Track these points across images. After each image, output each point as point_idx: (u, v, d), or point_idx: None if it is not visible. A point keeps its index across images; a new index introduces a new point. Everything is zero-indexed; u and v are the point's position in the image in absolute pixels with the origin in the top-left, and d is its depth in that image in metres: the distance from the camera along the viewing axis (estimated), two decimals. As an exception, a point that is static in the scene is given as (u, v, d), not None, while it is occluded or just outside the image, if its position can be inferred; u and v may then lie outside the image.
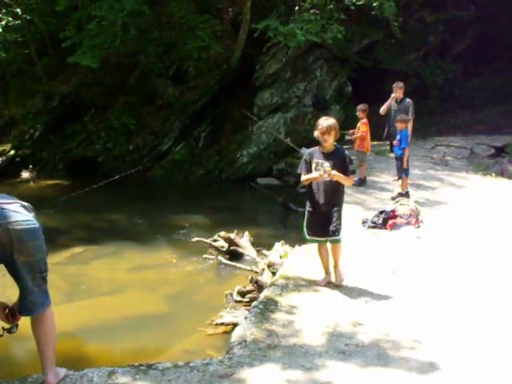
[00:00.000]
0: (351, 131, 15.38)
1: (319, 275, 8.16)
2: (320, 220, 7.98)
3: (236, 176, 20.63)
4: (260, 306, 7.09)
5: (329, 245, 8.12)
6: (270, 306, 7.14)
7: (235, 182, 20.17)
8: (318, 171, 7.74)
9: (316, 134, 7.83)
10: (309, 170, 7.93)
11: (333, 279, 8.18)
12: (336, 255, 8.10)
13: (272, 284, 8.08)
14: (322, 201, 7.94)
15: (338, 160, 7.81)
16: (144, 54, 21.26)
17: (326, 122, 7.81)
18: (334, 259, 8.11)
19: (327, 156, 7.83)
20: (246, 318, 6.83)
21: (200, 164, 21.20)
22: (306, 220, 8.16)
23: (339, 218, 7.99)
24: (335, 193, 7.97)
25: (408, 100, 15.23)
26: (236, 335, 6.38)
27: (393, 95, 15.33)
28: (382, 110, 15.49)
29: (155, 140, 21.68)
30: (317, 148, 8.00)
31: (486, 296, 7.94)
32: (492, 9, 27.14)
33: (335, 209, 7.95)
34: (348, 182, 8.13)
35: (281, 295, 7.52)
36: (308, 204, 8.13)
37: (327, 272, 8.17)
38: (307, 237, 8.15)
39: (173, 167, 21.31)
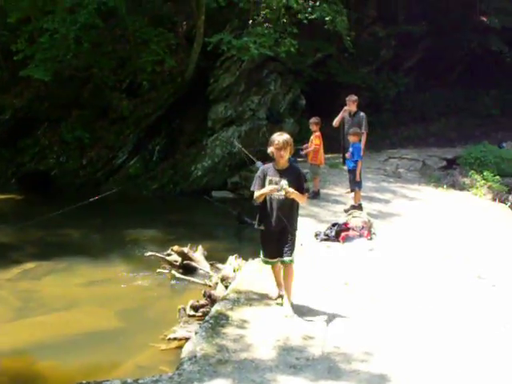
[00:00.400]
0: (305, 145, 15.45)
1: (271, 289, 8.16)
2: (273, 240, 7.65)
3: (191, 189, 20.58)
4: (211, 321, 7.06)
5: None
6: (220, 320, 7.12)
7: (190, 196, 20.11)
8: (272, 185, 7.44)
9: (271, 150, 7.49)
10: (263, 188, 7.56)
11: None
12: (288, 278, 7.74)
13: (223, 298, 8.06)
14: (275, 220, 7.57)
15: (293, 177, 7.49)
16: (98, 67, 21.10)
17: (281, 137, 7.48)
18: (285, 282, 7.78)
19: (281, 173, 7.49)
20: (196, 333, 6.80)
21: (154, 178, 21.09)
22: (260, 239, 7.86)
23: (293, 240, 7.69)
24: (289, 211, 7.62)
25: (362, 114, 15.19)
26: (186, 351, 6.34)
27: (345, 108, 15.43)
28: (335, 122, 15.56)
29: (109, 154, 21.52)
30: (271, 165, 7.63)
31: (436, 308, 8.05)
32: (442, 24, 27.60)
33: (289, 229, 7.61)
34: (303, 200, 7.81)
35: (232, 309, 7.50)
36: (261, 223, 7.75)
37: (279, 285, 8.01)
38: (262, 257, 7.90)
39: (127, 181, 21.12)
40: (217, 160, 21.00)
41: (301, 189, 7.53)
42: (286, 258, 7.61)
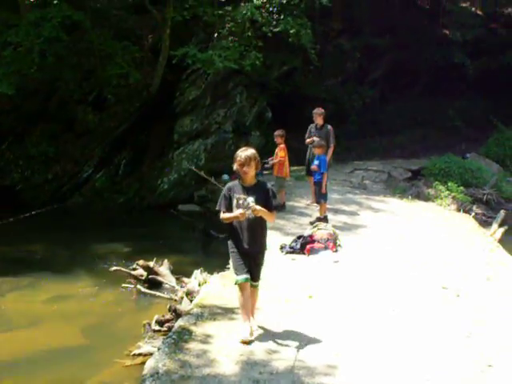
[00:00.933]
0: (270, 158, 15.52)
1: (235, 303, 8.15)
2: (245, 260, 7.31)
3: (157, 203, 20.48)
4: (174, 337, 7.05)
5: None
6: (184, 335, 7.10)
7: (156, 210, 20.01)
8: (239, 209, 7.08)
9: (235, 166, 7.21)
10: (229, 207, 7.25)
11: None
12: (255, 299, 7.61)
13: (187, 313, 8.05)
14: (246, 240, 7.28)
15: (261, 194, 7.19)
16: (63, 80, 20.95)
17: (244, 152, 7.19)
18: (252, 303, 7.53)
19: (249, 190, 7.19)
20: (158, 349, 6.78)
21: (120, 191, 20.97)
22: (232, 262, 7.58)
23: (263, 261, 7.57)
24: (260, 231, 7.39)
25: (329, 126, 15.35)
26: (148, 367, 6.32)
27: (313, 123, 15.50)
28: (307, 142, 15.55)
29: (75, 168, 21.34)
30: (237, 182, 7.34)
31: (400, 319, 8.12)
32: (406, 37, 27.95)
33: (261, 249, 7.48)
34: (271, 218, 7.45)
35: (196, 324, 7.49)
36: (231, 244, 7.43)
37: (247, 314, 7.40)
38: (235, 277, 7.42)
39: (93, 195, 20.99)
40: (183, 173, 20.96)
41: (269, 206, 7.22)
42: (257, 283, 7.49)
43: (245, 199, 7.12)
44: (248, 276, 7.28)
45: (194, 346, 6.83)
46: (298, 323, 7.77)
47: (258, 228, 7.32)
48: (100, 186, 21.15)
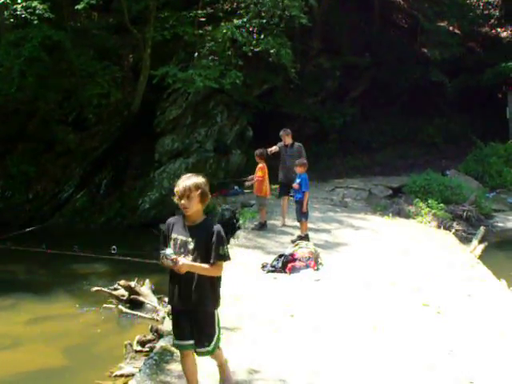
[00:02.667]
0: (250, 177, 15.56)
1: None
2: (182, 320, 5.86)
3: (138, 222, 20.50)
4: (155, 357, 7.02)
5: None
6: (165, 356, 7.07)
7: (138, 229, 19.99)
8: (167, 261, 5.54)
9: (175, 199, 5.68)
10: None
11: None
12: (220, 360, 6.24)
13: (168, 333, 8.01)
14: (178, 295, 5.77)
15: (203, 238, 5.61)
16: (43, 100, 20.93)
17: (183, 182, 5.62)
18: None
19: (191, 230, 5.66)
20: (140, 370, 6.76)
21: (101, 211, 20.96)
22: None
23: (210, 324, 5.89)
24: (198, 287, 5.69)
25: (298, 144, 15.45)
26: (130, 389, 6.31)
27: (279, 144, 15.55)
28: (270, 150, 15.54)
29: (56, 188, 21.31)
30: (181, 217, 5.80)
31: (381, 336, 8.13)
32: (385, 56, 28.21)
33: (199, 308, 5.77)
34: (210, 273, 5.69)
35: (177, 345, 7.46)
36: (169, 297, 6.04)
37: None
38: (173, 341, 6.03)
39: (74, 215, 20.93)
40: (164, 192, 20.94)
41: (208, 257, 5.59)
42: (201, 350, 5.86)
43: (183, 242, 5.66)
44: (186, 342, 5.81)
45: (175, 366, 6.79)
46: (279, 342, 7.77)
47: (195, 282, 5.66)
48: (81, 206, 21.10)
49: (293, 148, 15.34)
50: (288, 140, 15.42)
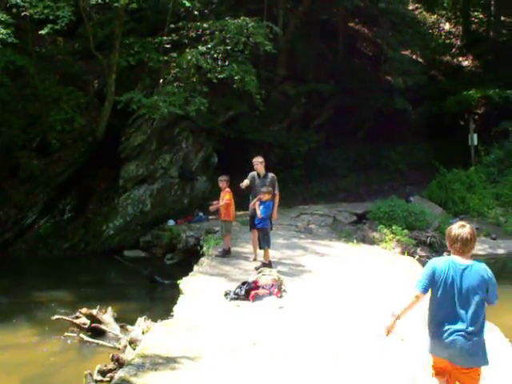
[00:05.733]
0: (215, 202, 15.49)
1: (177, 351, 8.06)
2: None
3: (102, 249, 20.36)
4: (113, 389, 6.93)
5: None
6: (123, 387, 6.99)
7: (102, 255, 19.86)
8: None
9: None
10: None
11: None
12: None
13: (128, 363, 7.91)
14: None
15: None
16: (7, 125, 20.75)
17: None
18: None
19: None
20: (98, 401, 6.67)
21: (65, 237, 20.72)
22: None
23: None
24: None
25: (271, 175, 14.72)
26: (87, 421, 6.20)
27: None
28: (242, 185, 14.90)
29: (18, 214, 21.02)
30: None
31: (345, 364, 8.12)
32: (349, 83, 28.46)
33: None
34: None
35: (136, 375, 7.33)
36: None
37: None
38: None
39: (37, 241, 20.66)
40: (129, 219, 20.90)
41: None
42: None
43: None
44: None
45: (133, 398, 6.73)
46: (240, 371, 7.71)
47: None
48: (44, 232, 20.86)
49: (266, 179, 14.60)
50: (261, 169, 14.70)
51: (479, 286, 5.57)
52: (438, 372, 5.78)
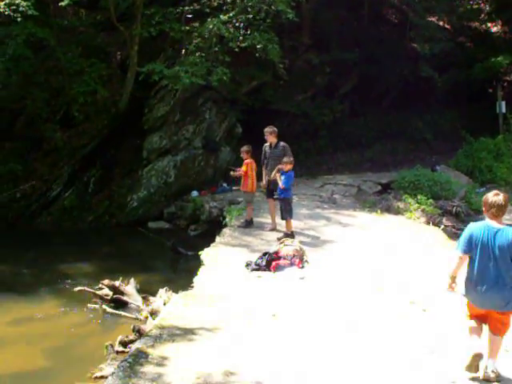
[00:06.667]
0: (238, 168, 15.40)
1: (196, 323, 8.03)
2: None
3: (127, 220, 20.36)
4: (129, 360, 6.89)
5: None
6: (140, 358, 6.94)
7: (126, 227, 19.88)
8: None
9: None
10: None
11: None
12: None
13: (146, 335, 7.91)
14: None
15: None
16: (30, 98, 20.77)
17: None
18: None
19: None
20: (113, 373, 6.65)
21: (90, 209, 20.76)
22: None
23: None
24: None
25: (282, 144, 14.58)
26: (102, 392, 6.20)
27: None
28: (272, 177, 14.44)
29: (43, 186, 21.10)
30: None
31: (366, 334, 8.06)
32: (374, 51, 27.95)
33: None
34: None
35: (153, 346, 7.32)
36: None
37: None
38: None
39: (62, 214, 20.73)
40: (152, 190, 20.87)
41: None
42: None
43: None
44: None
45: (149, 369, 6.68)
46: (259, 343, 7.67)
47: None
48: (69, 205, 20.90)
49: (277, 148, 14.52)
50: (272, 139, 14.61)
51: (509, 245, 6.64)
52: (474, 315, 6.98)
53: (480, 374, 6.78)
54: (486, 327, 6.96)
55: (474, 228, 6.84)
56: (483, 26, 33.60)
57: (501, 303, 6.69)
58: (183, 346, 7.46)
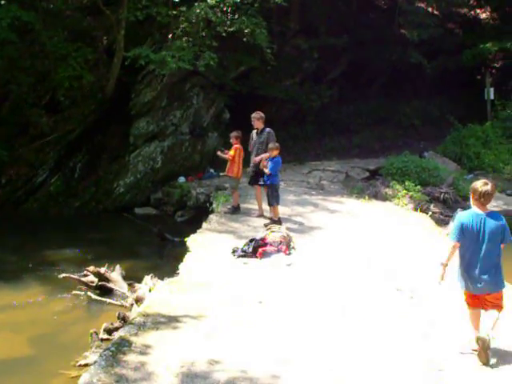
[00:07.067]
0: (226, 151, 15.25)
1: (180, 310, 7.94)
2: None
3: (113, 206, 20.26)
4: (112, 348, 6.79)
5: None
6: (123, 347, 6.85)
7: (113, 213, 19.78)
8: None
9: None
10: None
11: None
12: None
13: (129, 323, 7.82)
14: None
15: None
16: (16, 83, 20.54)
17: None
18: None
19: None
20: (95, 362, 6.55)
21: (76, 195, 20.63)
22: None
23: None
24: None
25: (267, 130, 14.42)
26: (83, 382, 6.08)
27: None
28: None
29: (29, 172, 20.92)
30: None
31: (353, 322, 8.00)
32: (363, 36, 27.89)
33: None
34: None
35: (137, 335, 7.22)
36: None
37: None
38: None
39: (48, 200, 20.58)
40: (139, 176, 20.76)
41: None
42: None
43: None
44: None
45: (132, 358, 6.59)
46: (245, 331, 7.60)
47: None
48: (55, 191, 20.77)
49: (262, 134, 14.40)
50: (258, 124, 14.46)
51: (497, 229, 7.07)
52: (472, 303, 7.28)
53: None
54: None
55: (464, 216, 7.19)
56: (472, 12, 33.56)
57: (491, 285, 7.10)
58: (167, 333, 7.37)
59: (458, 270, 7.24)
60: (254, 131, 14.68)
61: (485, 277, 7.03)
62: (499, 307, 7.19)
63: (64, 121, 21.10)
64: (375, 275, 10.34)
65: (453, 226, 7.33)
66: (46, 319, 10.79)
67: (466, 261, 7.12)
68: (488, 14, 33.49)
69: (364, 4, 30.37)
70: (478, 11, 33.79)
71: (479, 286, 7.07)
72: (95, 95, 21.26)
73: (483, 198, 7.08)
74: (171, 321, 7.75)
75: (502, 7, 32.21)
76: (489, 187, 7.08)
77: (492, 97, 26.70)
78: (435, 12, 31.93)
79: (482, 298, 7.19)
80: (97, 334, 9.16)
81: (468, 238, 7.07)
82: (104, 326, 9.40)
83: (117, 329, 9.20)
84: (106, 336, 9.26)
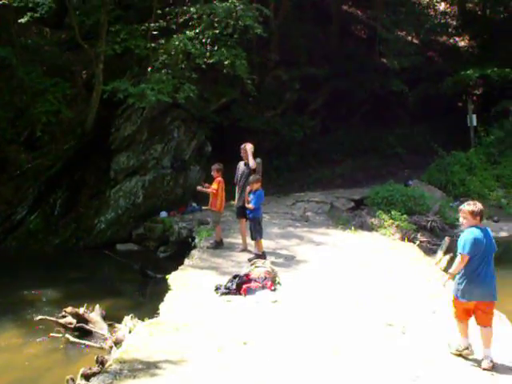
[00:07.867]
0: (207, 185, 14.98)
1: (160, 355, 7.54)
2: None
3: (94, 243, 19.84)
4: (85, 400, 6.41)
5: None
6: (97, 397, 6.47)
7: (94, 250, 19.33)
8: None
9: None
10: None
11: None
12: None
13: (104, 371, 7.39)
14: None
15: None
16: (-6, 119, 20.22)
17: None
18: None
19: None
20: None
21: (56, 233, 20.19)
22: None
23: None
24: None
25: (258, 160, 14.35)
26: None
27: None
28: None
29: (8, 209, 20.48)
30: None
31: (343, 362, 7.68)
32: (344, 66, 27.89)
33: None
34: None
35: (111, 385, 6.83)
36: None
37: None
38: None
39: (27, 237, 20.12)
40: (121, 212, 20.40)
41: None
42: None
43: None
44: None
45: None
46: (229, 375, 7.22)
47: None
48: (35, 228, 20.32)
49: (247, 166, 14.26)
50: (246, 157, 14.34)
51: (492, 240, 7.87)
52: (462, 314, 7.89)
53: (483, 364, 7.58)
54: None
55: (474, 231, 7.78)
56: (451, 40, 33.79)
57: (490, 294, 7.78)
58: (145, 382, 6.94)
59: (457, 281, 7.85)
60: (242, 162, 14.48)
61: (490, 284, 7.76)
62: (490, 321, 7.82)
63: (43, 157, 20.74)
64: (364, 311, 10.01)
65: (466, 239, 7.73)
66: (22, 364, 10.39)
67: (475, 271, 7.72)
68: (467, 41, 33.74)
69: (344, 34, 30.43)
70: (457, 39, 34.03)
71: (480, 294, 7.70)
72: (74, 130, 20.94)
73: (479, 216, 7.80)
74: (150, 367, 7.33)
75: (480, 35, 32.51)
76: (479, 205, 7.93)
77: (475, 123, 26.71)
78: (415, 40, 32.12)
79: (476, 307, 7.79)
80: (73, 381, 8.71)
81: (479, 250, 7.69)
82: (81, 371, 8.93)
83: (95, 374, 8.74)
84: (83, 382, 8.80)
